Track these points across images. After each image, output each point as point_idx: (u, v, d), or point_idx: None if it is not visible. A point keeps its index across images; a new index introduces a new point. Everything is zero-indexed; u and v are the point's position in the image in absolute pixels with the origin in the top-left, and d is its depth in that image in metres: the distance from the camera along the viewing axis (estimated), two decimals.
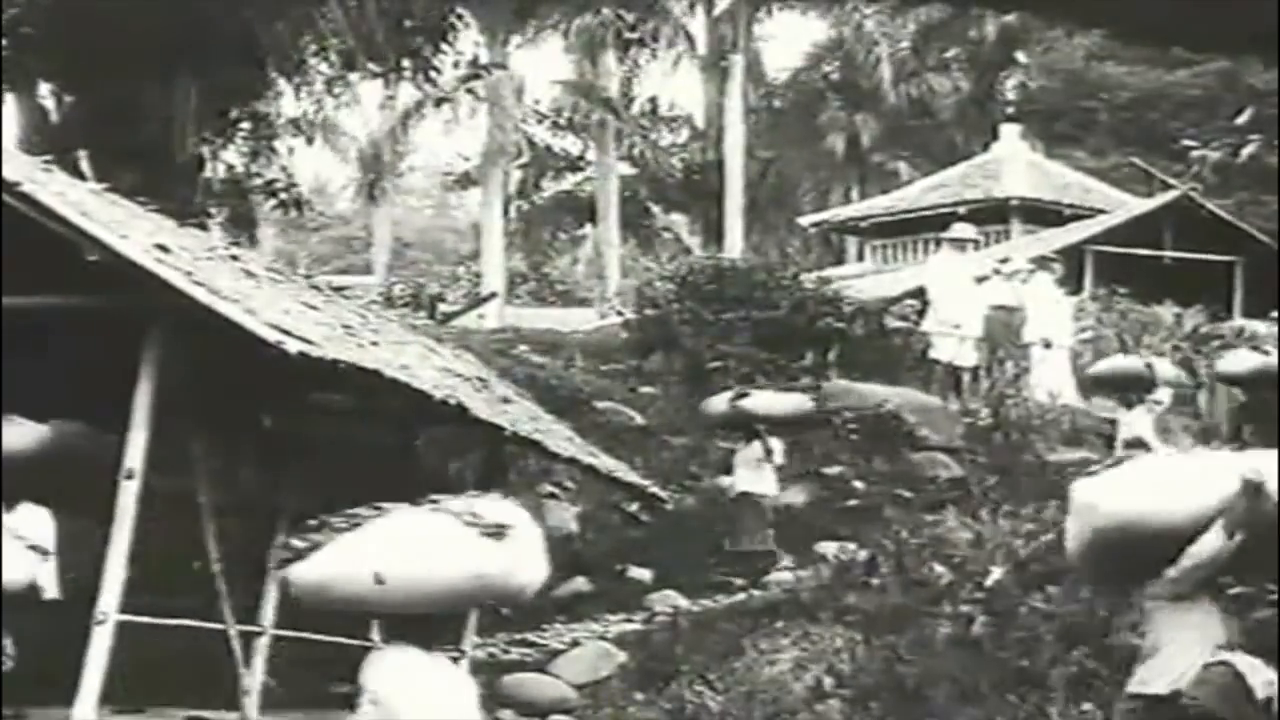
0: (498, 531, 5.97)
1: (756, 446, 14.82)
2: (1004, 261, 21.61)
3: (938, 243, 21.52)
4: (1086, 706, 9.25)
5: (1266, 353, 15.65)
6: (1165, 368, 16.52)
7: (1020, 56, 44.76)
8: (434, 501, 6.19)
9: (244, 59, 22.27)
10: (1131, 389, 16.01)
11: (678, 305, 20.11)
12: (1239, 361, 16.03)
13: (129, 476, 9.23)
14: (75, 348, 10.15)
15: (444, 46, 26.61)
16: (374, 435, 12.65)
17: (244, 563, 10.84)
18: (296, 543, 6.02)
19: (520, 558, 6.07)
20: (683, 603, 13.69)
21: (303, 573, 6.01)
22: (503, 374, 15.91)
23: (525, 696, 11.92)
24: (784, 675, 10.98)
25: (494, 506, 6.12)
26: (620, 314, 25.64)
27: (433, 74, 28.20)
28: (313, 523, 6.03)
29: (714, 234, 43.68)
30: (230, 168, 24.94)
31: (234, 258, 11.74)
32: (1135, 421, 15.78)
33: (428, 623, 6.10)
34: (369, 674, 6.17)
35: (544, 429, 13.07)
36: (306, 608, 6.40)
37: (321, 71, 27.19)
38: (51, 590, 9.69)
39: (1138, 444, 15.39)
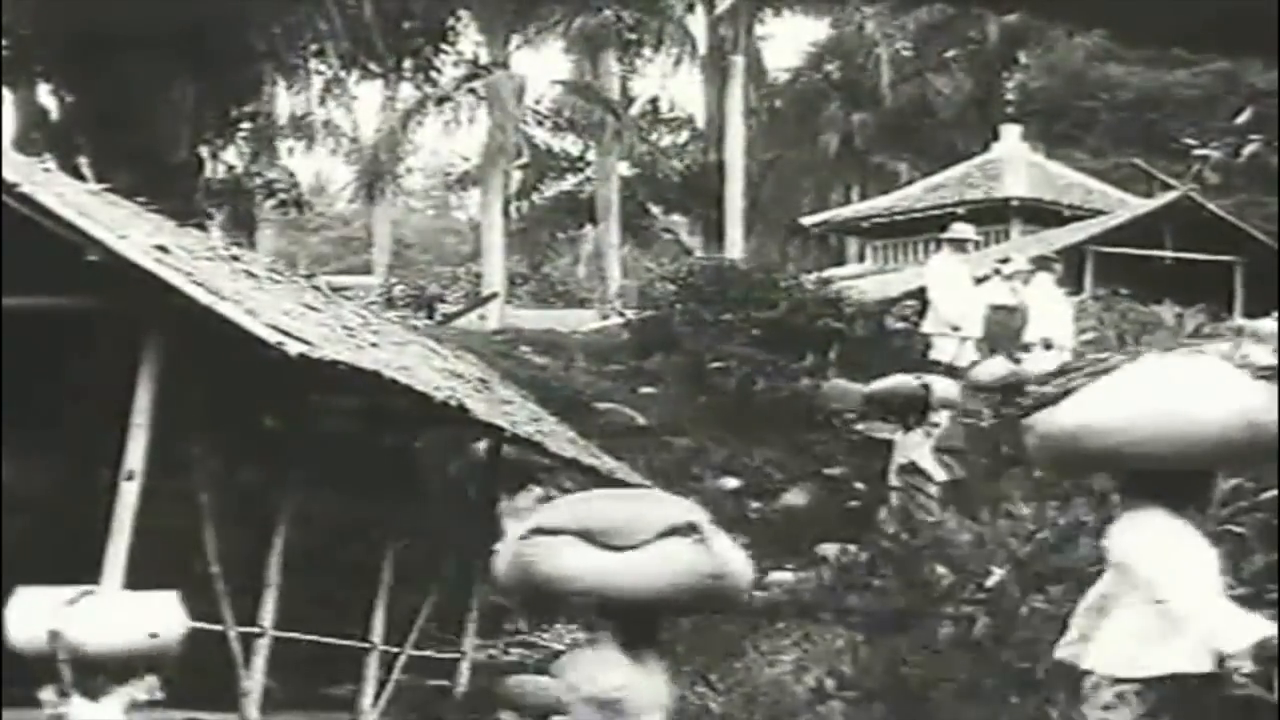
0: (1273, 374, 5.27)
1: (535, 492, 13.87)
2: (1004, 262, 21.58)
3: (938, 243, 21.50)
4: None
5: (1017, 361, 15.23)
6: (945, 388, 15.62)
7: (1021, 57, 44.75)
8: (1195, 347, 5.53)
9: (244, 60, 22.28)
10: (907, 410, 15.22)
11: (678, 306, 20.11)
12: (989, 370, 15.60)
13: (129, 477, 9.21)
14: (75, 348, 10.14)
15: (444, 46, 26.65)
16: (374, 436, 12.64)
17: (244, 563, 10.82)
18: (1045, 389, 5.36)
19: None
20: None
21: (1053, 420, 5.38)
22: (503, 375, 15.90)
23: (526, 698, 11.90)
24: (785, 676, 10.96)
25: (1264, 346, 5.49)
26: (621, 315, 25.62)
27: (433, 74, 28.28)
28: (1058, 369, 5.42)
29: (714, 234, 43.68)
30: (230, 168, 24.98)
31: (234, 258, 11.73)
32: (911, 445, 15.00)
33: (1181, 481, 5.35)
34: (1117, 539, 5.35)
35: (545, 430, 13.06)
36: (1055, 457, 5.74)
37: (321, 72, 27.23)
38: None
39: (912, 469, 14.85)
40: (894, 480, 15.05)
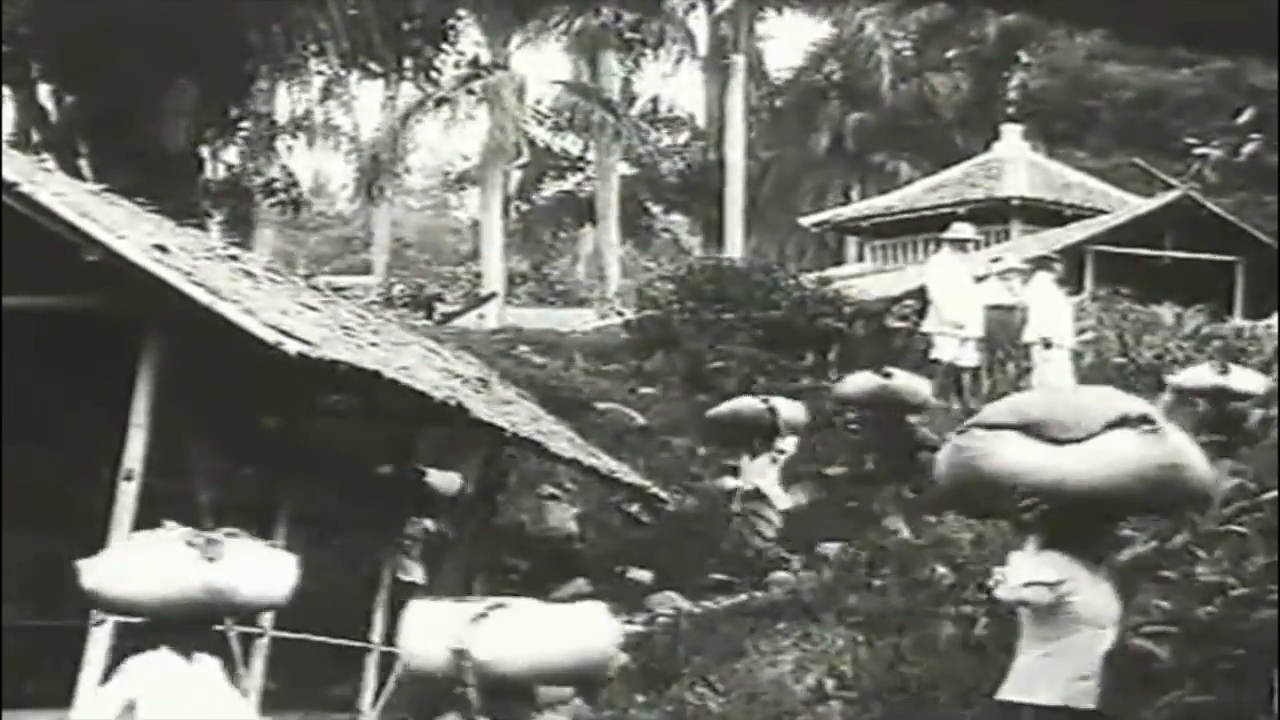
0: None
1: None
2: (995, 260, 21.57)
3: (938, 243, 21.49)
4: None
5: (887, 375, 14.71)
6: (792, 411, 14.98)
7: (1022, 56, 44.72)
8: None
9: (244, 60, 22.27)
10: (751, 434, 14.73)
11: (678, 306, 20.09)
12: (855, 383, 15.01)
13: (128, 477, 9.20)
14: (75, 348, 10.13)
15: (444, 46, 26.63)
16: (374, 435, 12.62)
17: None
18: None
19: None
20: (684, 604, 13.65)
21: None
22: (503, 375, 15.89)
23: None
24: (785, 677, 10.94)
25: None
26: (620, 314, 25.61)
27: (433, 74, 28.23)
28: None
29: (714, 234, 43.67)
30: (230, 168, 24.96)
31: (233, 258, 11.72)
32: (756, 471, 14.46)
33: None
34: None
35: (545, 430, 13.05)
36: None
37: (321, 72, 27.22)
38: None
39: (756, 495, 14.35)
40: (736, 506, 14.55)
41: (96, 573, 6.53)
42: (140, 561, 6.49)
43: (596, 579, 14.63)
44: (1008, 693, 5.91)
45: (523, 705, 6.27)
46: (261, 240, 31.62)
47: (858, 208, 40.97)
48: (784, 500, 14.43)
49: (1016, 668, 5.89)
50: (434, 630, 6.43)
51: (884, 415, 14.63)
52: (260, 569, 6.58)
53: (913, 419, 14.46)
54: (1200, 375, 15.81)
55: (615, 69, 44.37)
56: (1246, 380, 15.79)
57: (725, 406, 15.55)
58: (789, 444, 14.99)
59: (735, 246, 40.72)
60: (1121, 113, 40.51)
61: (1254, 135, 31.68)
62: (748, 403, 15.19)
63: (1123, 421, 5.63)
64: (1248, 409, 14.95)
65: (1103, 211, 33.55)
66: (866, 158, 46.66)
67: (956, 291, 19.11)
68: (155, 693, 6.15)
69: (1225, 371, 15.47)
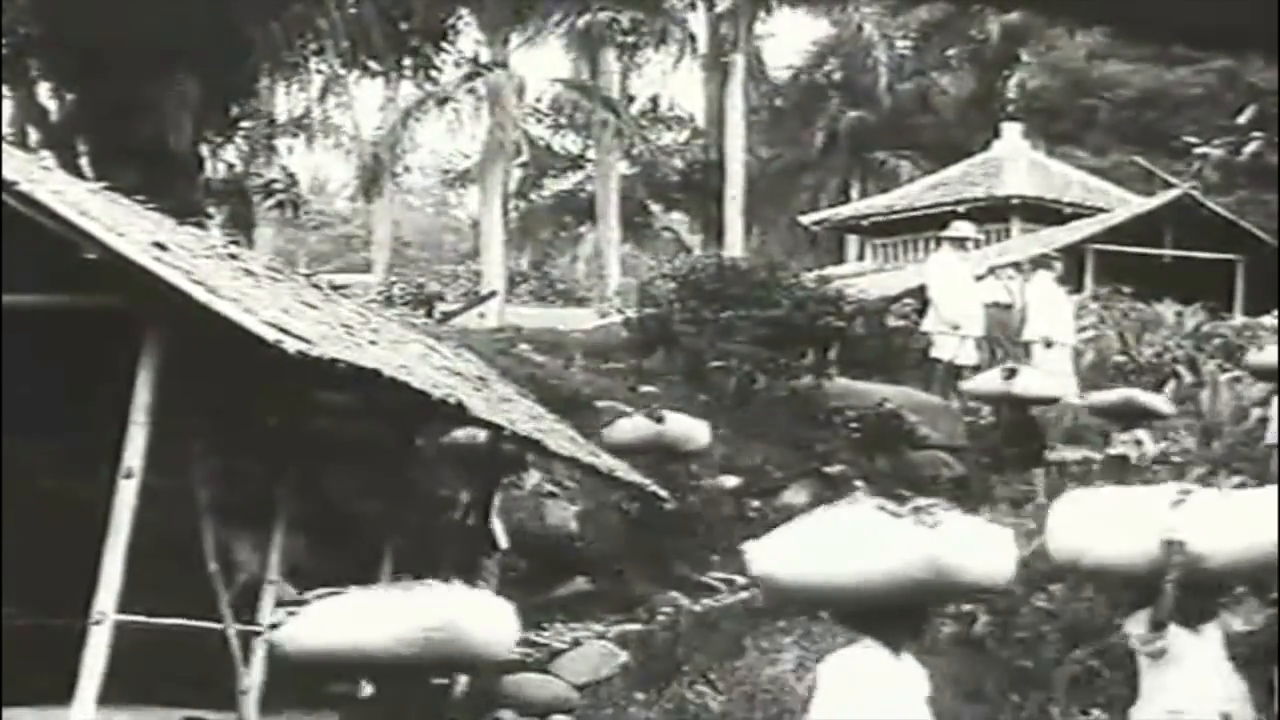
0: None
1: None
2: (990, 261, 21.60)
3: (938, 241, 21.49)
4: (1094, 713, 9.20)
5: (659, 420, 14.38)
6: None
7: (1022, 55, 44.73)
8: None
9: (244, 58, 22.26)
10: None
11: (678, 304, 20.05)
12: (627, 429, 14.62)
13: (128, 476, 9.19)
14: (74, 347, 10.12)
15: (444, 45, 26.64)
16: (373, 435, 12.61)
17: (243, 562, 10.81)
18: None
19: None
20: (684, 602, 13.64)
21: None
22: (502, 373, 15.87)
23: (526, 696, 11.89)
24: (785, 675, 10.94)
25: None
26: (620, 313, 25.58)
27: (433, 73, 28.24)
28: None
29: (714, 233, 43.68)
30: (230, 167, 24.95)
31: (233, 256, 11.71)
32: None
33: None
34: None
35: (545, 428, 13.03)
36: None
37: (321, 71, 27.22)
38: None
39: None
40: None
41: (774, 555, 5.57)
42: (838, 536, 5.41)
43: (596, 577, 14.63)
44: None
45: (1217, 601, 5.60)
46: (261, 239, 31.65)
47: (858, 206, 41.00)
48: (504, 540, 13.84)
49: None
50: (1123, 519, 5.70)
51: (659, 461, 14.30)
52: (981, 541, 5.61)
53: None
54: (988, 381, 15.61)
55: (615, 68, 44.38)
56: (1037, 384, 15.54)
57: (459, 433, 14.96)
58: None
59: (735, 245, 40.74)
60: (1121, 112, 40.51)
61: (1254, 134, 31.65)
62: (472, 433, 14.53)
63: None
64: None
65: (1103, 210, 33.58)
66: (866, 156, 46.67)
67: (956, 290, 19.13)
68: (860, 700, 5.31)
69: (1012, 376, 15.28)
